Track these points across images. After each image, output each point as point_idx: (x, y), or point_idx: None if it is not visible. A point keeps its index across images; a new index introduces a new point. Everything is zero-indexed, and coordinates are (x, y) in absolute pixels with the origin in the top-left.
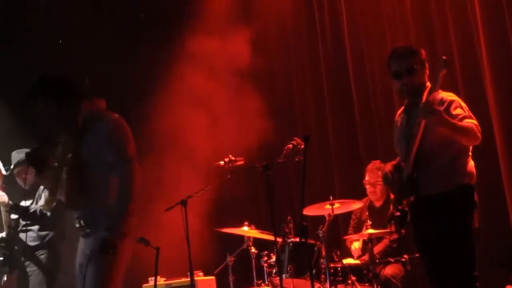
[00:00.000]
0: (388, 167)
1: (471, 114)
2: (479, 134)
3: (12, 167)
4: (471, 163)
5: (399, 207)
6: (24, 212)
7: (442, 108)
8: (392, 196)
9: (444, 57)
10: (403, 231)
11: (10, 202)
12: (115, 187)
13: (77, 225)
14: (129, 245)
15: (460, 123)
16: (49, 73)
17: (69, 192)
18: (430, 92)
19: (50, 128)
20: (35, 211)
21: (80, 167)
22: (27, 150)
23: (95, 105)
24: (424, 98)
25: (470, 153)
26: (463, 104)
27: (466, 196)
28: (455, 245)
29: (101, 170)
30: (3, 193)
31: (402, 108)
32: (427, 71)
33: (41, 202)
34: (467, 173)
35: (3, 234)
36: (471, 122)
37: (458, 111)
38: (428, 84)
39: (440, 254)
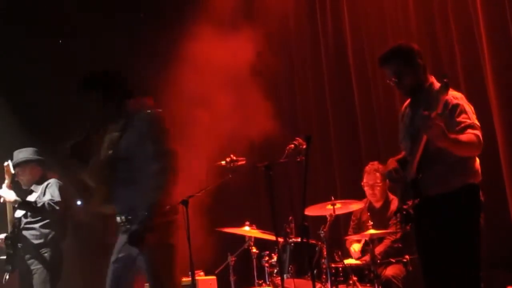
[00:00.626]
0: (393, 163)
1: (475, 120)
2: (479, 146)
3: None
4: (477, 162)
5: (404, 207)
6: (33, 207)
7: (446, 111)
8: (390, 196)
9: (445, 80)
10: (408, 227)
11: (18, 199)
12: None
13: (118, 220)
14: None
15: (460, 137)
16: (100, 69)
17: (111, 186)
18: (432, 111)
19: (96, 121)
20: (43, 204)
21: (122, 161)
22: (28, 149)
23: (141, 102)
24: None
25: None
26: (468, 108)
27: (471, 195)
28: (460, 245)
29: (142, 164)
30: (12, 191)
31: (408, 101)
32: (419, 67)
33: (48, 197)
34: (472, 172)
35: (7, 233)
36: (473, 133)
37: (462, 117)
38: (429, 77)
39: (443, 255)
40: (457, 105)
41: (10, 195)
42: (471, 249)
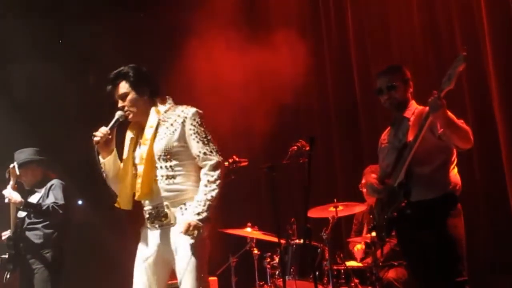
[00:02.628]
0: (373, 179)
1: (463, 121)
2: (472, 138)
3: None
4: (455, 172)
5: (386, 216)
6: (37, 210)
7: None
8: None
9: (463, 53)
10: (387, 239)
11: (23, 200)
12: (198, 177)
13: (147, 216)
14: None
15: (460, 124)
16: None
17: (145, 183)
18: (443, 88)
19: (125, 113)
20: (47, 207)
21: (162, 156)
22: (29, 149)
23: (165, 100)
24: (409, 109)
25: (455, 164)
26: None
27: (449, 204)
28: (439, 251)
29: (185, 159)
30: (16, 193)
31: (387, 128)
32: (411, 89)
33: (51, 199)
34: (450, 182)
35: (10, 233)
36: (466, 126)
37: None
38: (412, 101)
39: (425, 259)
40: None
41: (15, 196)
42: (448, 255)
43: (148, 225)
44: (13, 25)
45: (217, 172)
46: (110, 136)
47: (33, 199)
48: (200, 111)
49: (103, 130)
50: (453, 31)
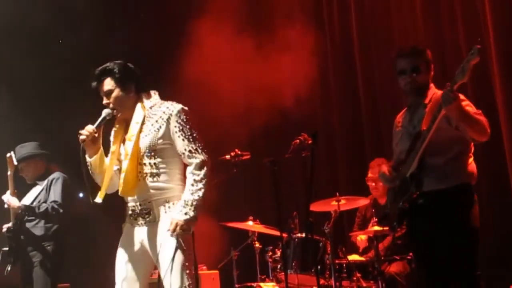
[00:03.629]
0: (385, 167)
1: (481, 111)
2: (488, 130)
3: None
4: (473, 163)
5: (398, 206)
6: (35, 212)
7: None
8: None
9: (478, 46)
10: (399, 229)
11: (21, 205)
12: (183, 175)
13: (129, 213)
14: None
15: (475, 116)
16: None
17: (129, 179)
18: (456, 80)
19: (111, 109)
20: (46, 208)
21: (147, 153)
22: (30, 143)
23: (151, 95)
24: (428, 95)
25: (472, 153)
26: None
27: (465, 194)
28: (453, 243)
29: (170, 156)
30: (15, 198)
31: (404, 110)
32: (432, 72)
33: (52, 198)
34: (467, 172)
35: (10, 225)
36: (482, 118)
37: (468, 108)
38: (432, 85)
39: (435, 251)
40: (462, 99)
41: (13, 202)
42: (465, 247)
43: (130, 222)
44: None
45: (203, 171)
46: (96, 135)
47: (35, 192)
48: (186, 108)
49: (89, 129)
50: (457, 30)
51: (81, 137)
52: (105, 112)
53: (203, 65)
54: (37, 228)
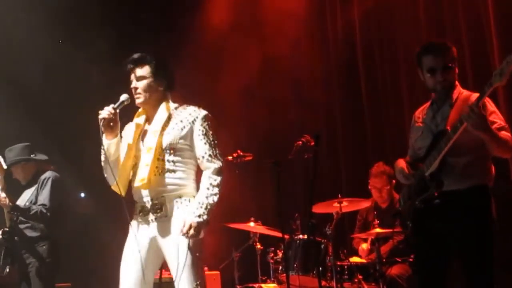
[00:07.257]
0: (402, 163)
1: (506, 124)
2: None
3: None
4: (492, 165)
5: (416, 204)
6: (24, 213)
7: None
8: (396, 195)
9: None
10: (411, 225)
11: (10, 204)
12: (195, 177)
13: (139, 209)
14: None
15: (499, 133)
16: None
17: (150, 172)
18: (492, 83)
19: (135, 96)
20: (35, 212)
21: (166, 151)
22: (17, 146)
23: (177, 99)
24: (454, 94)
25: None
26: (495, 108)
27: (482, 196)
28: (471, 244)
29: (188, 158)
30: (4, 195)
31: (426, 104)
32: (457, 70)
33: (40, 201)
34: (486, 174)
35: (6, 228)
36: (507, 135)
37: (493, 117)
38: (457, 82)
39: (453, 255)
40: (487, 104)
41: (2, 198)
42: (482, 249)
43: (140, 218)
44: None
45: (220, 177)
46: (114, 117)
47: (28, 192)
48: (210, 115)
49: (109, 108)
50: (459, 26)
51: (100, 116)
52: (124, 96)
53: (204, 66)
54: (32, 229)
